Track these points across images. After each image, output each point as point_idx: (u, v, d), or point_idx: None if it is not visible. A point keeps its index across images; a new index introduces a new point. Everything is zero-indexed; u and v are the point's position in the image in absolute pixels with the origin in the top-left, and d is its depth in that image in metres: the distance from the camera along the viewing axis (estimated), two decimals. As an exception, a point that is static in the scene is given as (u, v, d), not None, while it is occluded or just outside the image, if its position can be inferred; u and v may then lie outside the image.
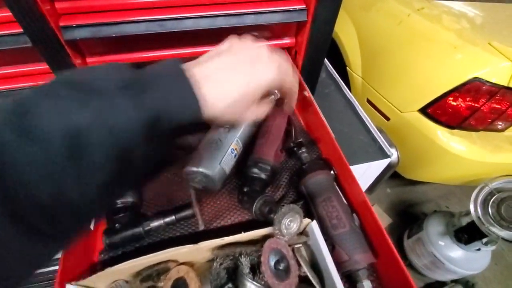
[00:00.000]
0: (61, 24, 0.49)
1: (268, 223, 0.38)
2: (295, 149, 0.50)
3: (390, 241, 0.36)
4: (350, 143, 0.77)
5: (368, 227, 0.40)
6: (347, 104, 0.88)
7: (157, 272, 0.36)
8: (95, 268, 0.41)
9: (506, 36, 1.04)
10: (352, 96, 0.89)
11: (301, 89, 0.57)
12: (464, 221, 1.12)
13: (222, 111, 0.28)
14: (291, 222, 0.36)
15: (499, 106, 1.07)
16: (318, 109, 0.52)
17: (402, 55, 1.24)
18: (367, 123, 0.82)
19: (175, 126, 0.26)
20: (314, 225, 0.38)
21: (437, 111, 1.17)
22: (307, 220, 0.38)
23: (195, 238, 0.34)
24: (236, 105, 0.29)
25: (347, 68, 1.50)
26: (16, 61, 0.58)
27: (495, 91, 1.02)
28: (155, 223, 0.41)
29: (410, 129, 1.27)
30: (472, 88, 1.06)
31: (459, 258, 1.14)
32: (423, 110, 1.20)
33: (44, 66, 0.54)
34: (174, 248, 0.35)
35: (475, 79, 1.04)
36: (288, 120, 0.54)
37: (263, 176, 0.45)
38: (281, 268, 0.34)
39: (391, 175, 1.49)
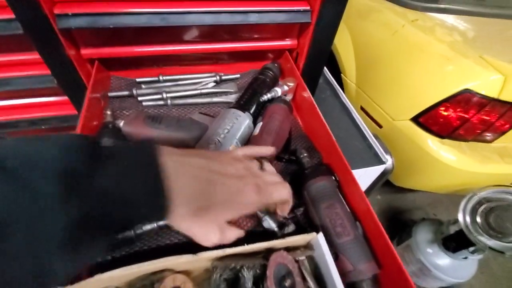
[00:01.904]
0: (56, 11, 0.46)
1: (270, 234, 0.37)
2: (286, 158, 0.49)
3: (394, 250, 0.35)
4: (346, 149, 0.76)
5: (371, 235, 0.39)
6: (343, 109, 0.88)
7: (151, 281, 0.33)
8: (80, 275, 0.37)
9: (497, 50, 1.07)
10: (349, 102, 0.90)
11: (301, 90, 0.57)
12: (452, 229, 1.13)
13: (190, 218, 0.25)
14: None
15: (488, 118, 1.10)
16: (319, 113, 0.52)
17: (396, 64, 1.26)
18: (362, 129, 0.83)
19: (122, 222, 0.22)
20: (320, 237, 0.36)
21: (428, 120, 1.20)
22: (312, 234, 0.37)
23: (191, 245, 0.31)
24: (206, 218, 0.27)
25: (342, 75, 1.52)
26: (5, 49, 0.55)
27: (485, 103, 1.05)
28: (147, 226, 0.39)
29: (401, 137, 1.28)
30: (462, 99, 1.08)
31: (446, 266, 1.15)
32: (415, 119, 1.22)
33: (35, 56, 0.52)
34: (172, 257, 0.33)
35: (466, 90, 1.06)
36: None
37: None
38: (287, 285, 0.32)
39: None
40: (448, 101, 1.11)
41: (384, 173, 0.79)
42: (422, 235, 1.23)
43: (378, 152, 0.77)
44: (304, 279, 0.34)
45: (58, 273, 0.19)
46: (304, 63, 0.58)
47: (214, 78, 0.61)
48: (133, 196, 0.21)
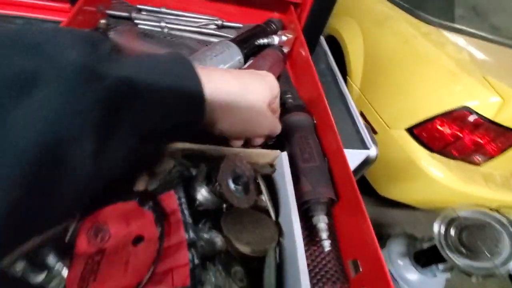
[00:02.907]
0: None
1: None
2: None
3: (355, 183, 0.34)
4: (334, 128, 0.77)
5: (337, 170, 0.39)
6: (339, 96, 0.88)
7: None
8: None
9: (502, 74, 1.08)
10: (346, 90, 0.90)
11: (299, 45, 0.57)
12: (426, 246, 1.13)
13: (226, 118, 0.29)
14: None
15: (480, 140, 1.10)
16: (314, 70, 0.52)
17: (401, 73, 1.27)
18: (355, 116, 0.82)
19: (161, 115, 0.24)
20: (284, 156, 0.35)
21: (422, 132, 1.20)
22: (276, 152, 0.36)
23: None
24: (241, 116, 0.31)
25: (347, 77, 1.53)
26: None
27: (480, 123, 1.05)
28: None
29: (394, 146, 1.28)
30: (459, 116, 1.09)
31: (414, 281, 1.14)
32: (410, 130, 1.22)
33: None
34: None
35: (465, 108, 1.06)
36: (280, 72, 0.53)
37: None
38: (239, 185, 0.31)
39: (364, 191, 1.50)
40: (445, 116, 1.12)
41: (366, 162, 0.78)
42: (395, 247, 1.22)
43: (365, 138, 0.77)
44: (259, 192, 0.33)
45: (77, 160, 0.16)
46: (305, 21, 0.58)
47: (216, 22, 0.61)
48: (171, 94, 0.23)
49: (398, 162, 1.29)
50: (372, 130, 1.38)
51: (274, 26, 0.59)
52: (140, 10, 0.60)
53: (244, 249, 0.28)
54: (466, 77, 1.08)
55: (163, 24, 0.56)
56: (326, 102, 0.44)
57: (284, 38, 0.54)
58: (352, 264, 0.33)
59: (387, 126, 1.30)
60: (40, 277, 0.24)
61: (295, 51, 0.59)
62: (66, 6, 0.58)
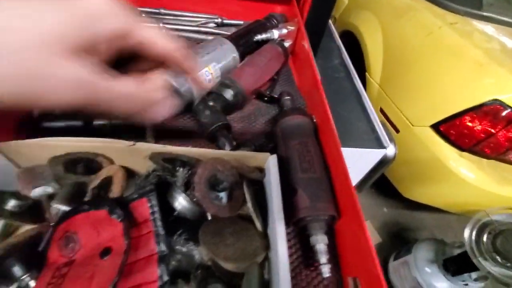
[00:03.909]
0: None
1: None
2: (268, 95, 0.45)
3: (357, 201, 0.30)
4: (347, 126, 0.72)
5: (338, 183, 0.34)
6: (353, 91, 0.83)
7: (84, 162, 0.31)
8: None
9: (538, 63, 0.96)
10: (361, 85, 0.84)
11: (301, 39, 0.53)
12: (456, 252, 1.04)
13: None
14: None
15: (516, 136, 1.00)
16: (314, 64, 0.48)
17: (425, 66, 1.19)
18: (369, 112, 0.77)
19: None
20: (273, 159, 0.32)
21: (450, 129, 1.11)
22: (265, 155, 0.33)
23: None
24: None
25: (366, 73, 1.46)
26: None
27: (515, 118, 0.95)
28: (98, 121, 0.37)
29: (418, 145, 1.20)
30: (491, 110, 0.99)
31: (443, 290, 1.05)
32: (435, 127, 1.13)
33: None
34: (108, 139, 0.30)
35: (496, 101, 0.97)
36: (279, 69, 0.50)
37: (227, 95, 0.40)
38: (219, 189, 0.29)
39: (390, 194, 1.42)
40: (474, 111, 1.02)
41: (383, 162, 0.72)
42: (423, 253, 1.13)
43: (381, 136, 0.71)
44: (243, 200, 0.30)
45: None
46: (308, 13, 0.54)
47: (216, 20, 0.59)
48: None
49: (423, 162, 1.20)
50: (394, 128, 1.30)
51: (275, 21, 0.55)
52: (140, 12, 0.59)
53: (225, 264, 0.25)
54: (497, 68, 0.98)
55: (161, 24, 0.55)
56: (326, 101, 0.40)
57: (284, 31, 0.51)
58: (352, 282, 0.29)
59: (410, 123, 1.22)
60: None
61: (297, 46, 0.55)
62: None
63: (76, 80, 0.18)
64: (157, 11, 0.59)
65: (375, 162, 0.73)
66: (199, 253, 0.25)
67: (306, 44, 0.51)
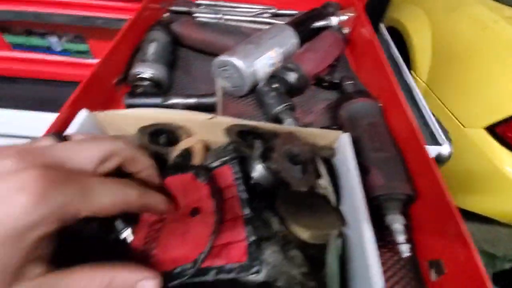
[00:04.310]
0: None
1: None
2: (328, 79, 0.45)
3: (438, 173, 0.29)
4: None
5: (413, 161, 0.33)
6: (404, 86, 0.80)
7: (166, 133, 0.33)
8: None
9: None
10: (412, 80, 0.81)
11: (360, 26, 0.52)
12: (508, 266, 0.96)
13: None
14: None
15: None
16: (380, 48, 0.47)
17: (480, 63, 1.11)
18: (422, 107, 0.73)
19: None
20: (346, 137, 0.31)
21: (507, 132, 1.02)
22: (337, 132, 0.32)
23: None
24: None
25: (411, 71, 1.39)
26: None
27: None
28: (174, 100, 0.39)
29: (471, 149, 1.12)
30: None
31: (495, 305, 0.97)
32: (491, 129, 1.05)
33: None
34: (189, 112, 0.32)
35: None
36: (338, 56, 0.50)
37: (290, 79, 0.40)
38: (296, 164, 0.29)
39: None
40: (537, 111, 0.94)
41: (437, 160, 0.68)
42: (472, 264, 1.06)
43: (435, 132, 0.67)
44: (317, 176, 0.30)
45: None
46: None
47: (270, 10, 0.60)
48: None
49: (475, 167, 1.12)
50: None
51: (332, 9, 0.55)
52: (198, 5, 0.62)
53: (302, 232, 0.25)
54: None
55: (220, 15, 0.57)
56: (397, 84, 0.39)
57: (343, 17, 0.50)
58: (433, 265, 0.28)
59: (462, 124, 1.15)
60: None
61: (355, 33, 0.54)
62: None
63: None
64: (215, 3, 0.61)
65: (429, 160, 0.69)
66: (277, 221, 0.26)
67: (367, 30, 0.50)
